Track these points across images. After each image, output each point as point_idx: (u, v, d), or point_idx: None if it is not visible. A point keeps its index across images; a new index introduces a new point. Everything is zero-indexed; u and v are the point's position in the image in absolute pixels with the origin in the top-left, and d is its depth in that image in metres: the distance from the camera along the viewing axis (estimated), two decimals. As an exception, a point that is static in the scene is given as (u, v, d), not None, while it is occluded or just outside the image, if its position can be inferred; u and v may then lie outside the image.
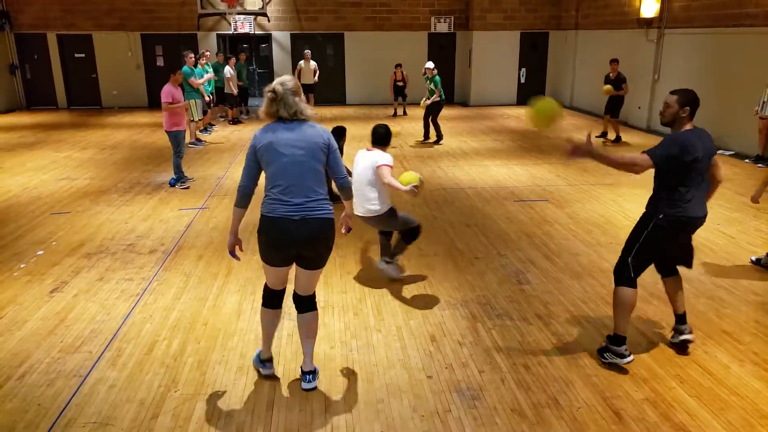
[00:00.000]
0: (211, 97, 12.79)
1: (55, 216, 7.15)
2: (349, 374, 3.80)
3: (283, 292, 3.65)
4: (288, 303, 3.82)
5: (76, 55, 17.40)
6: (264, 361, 3.75)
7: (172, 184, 8.50)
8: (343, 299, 4.89)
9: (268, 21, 17.45)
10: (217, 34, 17.57)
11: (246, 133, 13.25)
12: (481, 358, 3.98)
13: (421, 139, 12.23)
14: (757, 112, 9.55)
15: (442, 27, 18.12)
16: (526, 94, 18.02)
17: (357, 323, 4.48)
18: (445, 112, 16.55)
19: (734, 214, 7.11)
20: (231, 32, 17.48)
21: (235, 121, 14.49)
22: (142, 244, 6.17)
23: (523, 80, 18.19)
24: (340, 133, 7.06)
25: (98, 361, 3.94)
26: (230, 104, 14.25)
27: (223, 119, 14.66)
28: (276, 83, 3.39)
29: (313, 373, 3.65)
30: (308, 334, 3.64)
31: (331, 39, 17.92)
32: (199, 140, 11.90)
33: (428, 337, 4.27)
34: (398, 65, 15.53)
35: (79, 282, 5.22)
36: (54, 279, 5.29)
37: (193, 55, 11.52)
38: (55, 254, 5.89)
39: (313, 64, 15.23)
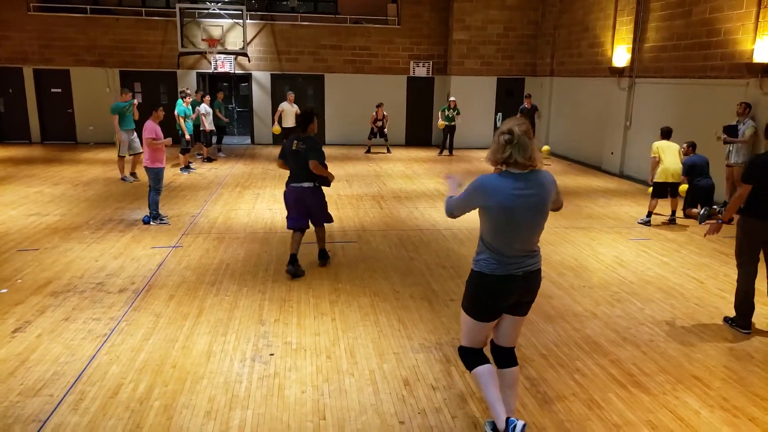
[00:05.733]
0: (191, 136, 12.83)
1: (22, 253, 6.98)
2: (320, 419, 3.72)
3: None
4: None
5: (53, 90, 17.31)
6: None
7: (146, 222, 8.39)
8: (315, 341, 4.82)
9: (249, 61, 17.65)
10: (197, 72, 17.69)
11: (223, 171, 13.21)
12: (454, 402, 3.93)
13: (437, 153, 16.73)
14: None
15: (421, 71, 18.53)
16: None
17: (329, 366, 4.41)
18: (423, 154, 16.88)
19: (703, 260, 7.24)
20: (211, 71, 17.63)
21: (209, 159, 14.46)
22: (112, 283, 6.05)
23: (499, 124, 18.54)
24: (309, 119, 6.21)
25: (59, 405, 3.80)
26: (205, 142, 14.24)
27: (199, 157, 14.63)
28: (512, 124, 3.15)
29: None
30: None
31: (311, 80, 18.16)
32: (127, 176, 11.74)
33: (401, 381, 4.22)
34: (380, 105, 16.08)
35: (44, 322, 5.07)
36: (17, 318, 5.13)
37: (130, 94, 11.81)
38: (20, 292, 5.73)
39: (294, 106, 15.01)
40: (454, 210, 3.43)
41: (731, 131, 9.52)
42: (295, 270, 6.24)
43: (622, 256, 7.33)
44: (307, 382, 4.16)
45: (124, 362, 4.39)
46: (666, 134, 9.10)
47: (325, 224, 6.62)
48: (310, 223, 6.47)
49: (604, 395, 4.06)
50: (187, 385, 4.08)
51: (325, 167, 6.24)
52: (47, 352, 4.52)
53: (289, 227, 6.38)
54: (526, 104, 15.17)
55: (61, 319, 5.14)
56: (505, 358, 3.47)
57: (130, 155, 11.69)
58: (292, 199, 6.28)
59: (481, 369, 3.39)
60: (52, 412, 3.73)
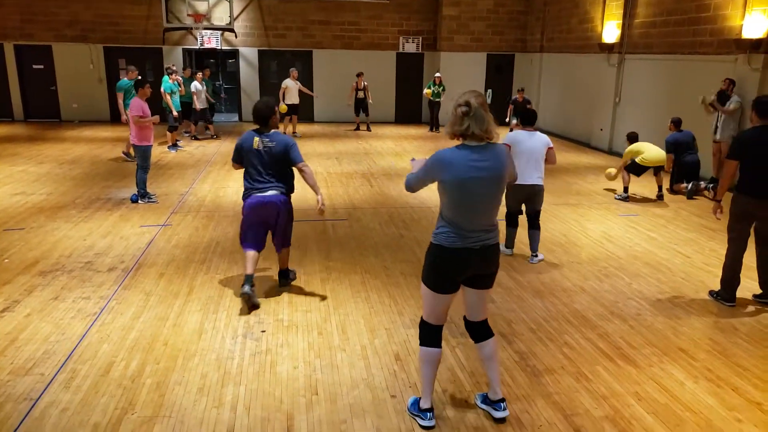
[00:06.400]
0: (178, 113, 12.66)
1: (7, 232, 6.91)
2: (312, 394, 3.75)
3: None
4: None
5: (35, 67, 16.98)
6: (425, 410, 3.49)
7: (134, 200, 8.32)
8: (307, 318, 4.84)
9: (236, 37, 17.39)
10: (183, 48, 17.41)
11: (211, 148, 13.09)
12: (445, 376, 3.98)
13: (428, 130, 17.02)
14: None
15: (411, 47, 18.36)
16: (492, 116, 18.32)
17: (321, 342, 4.43)
18: (413, 131, 16.85)
19: (690, 235, 7.32)
20: (197, 47, 17.35)
21: (196, 138, 14.32)
22: (101, 262, 6.01)
23: (489, 101, 18.43)
24: (268, 112, 4.93)
25: (51, 384, 3.80)
26: (194, 120, 14.07)
27: (187, 135, 14.48)
28: (469, 97, 3.18)
29: (504, 401, 3.54)
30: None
31: (299, 56, 17.95)
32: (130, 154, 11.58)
33: (393, 356, 4.25)
34: (360, 74, 15.91)
35: (33, 301, 5.05)
36: (5, 298, 5.10)
37: (136, 71, 11.33)
38: (7, 272, 5.69)
39: (298, 83, 14.84)
40: (413, 184, 3.44)
41: (722, 98, 9.58)
42: (251, 288, 4.92)
43: (610, 232, 7.39)
44: (299, 358, 4.19)
45: (115, 340, 4.39)
46: (633, 139, 9.42)
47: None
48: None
49: (592, 368, 4.13)
50: (179, 363, 4.09)
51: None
52: (37, 331, 4.51)
53: (246, 248, 5.09)
54: (518, 97, 15.10)
55: (50, 298, 5.12)
56: (479, 331, 3.50)
57: None
58: (254, 215, 5.00)
59: (428, 350, 3.42)
60: (44, 390, 3.73)
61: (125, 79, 11.16)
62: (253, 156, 4.92)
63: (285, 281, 5.47)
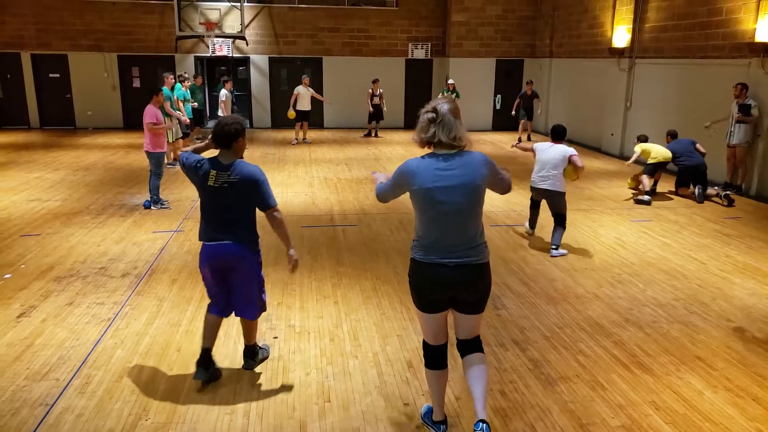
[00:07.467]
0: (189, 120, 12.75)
1: (24, 238, 6.98)
2: (325, 402, 3.74)
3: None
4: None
5: (51, 75, 17.20)
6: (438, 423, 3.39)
7: (146, 206, 8.38)
8: (319, 324, 4.84)
9: (246, 44, 17.51)
10: (195, 56, 17.55)
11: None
12: (458, 384, 3.96)
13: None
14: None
15: (420, 53, 18.40)
16: (501, 120, 18.32)
17: (333, 349, 4.43)
18: (423, 136, 16.76)
19: (705, 240, 7.25)
20: (209, 55, 17.49)
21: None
22: (115, 268, 6.05)
23: (498, 106, 18.48)
24: (236, 132, 3.86)
25: (66, 389, 3.82)
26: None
27: (199, 141, 14.55)
28: (437, 102, 3.06)
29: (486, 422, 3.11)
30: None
31: (309, 63, 18.03)
32: (177, 161, 11.82)
33: (405, 363, 4.24)
34: (375, 80, 15.93)
35: (48, 306, 5.08)
36: (21, 303, 5.14)
37: (172, 77, 11.46)
38: (24, 278, 5.74)
39: (310, 90, 14.91)
40: (382, 194, 3.38)
41: (745, 110, 9.42)
42: (208, 374, 3.88)
43: (623, 238, 7.33)
44: (312, 365, 4.18)
45: (129, 346, 4.41)
46: (644, 140, 9.85)
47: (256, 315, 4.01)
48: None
49: (607, 376, 4.09)
50: (191, 369, 4.09)
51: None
52: (52, 336, 4.54)
53: (211, 312, 3.96)
54: (526, 90, 15.29)
55: (65, 303, 5.15)
56: (466, 348, 3.31)
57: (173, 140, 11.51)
58: (210, 266, 3.81)
59: (429, 372, 3.33)
60: (59, 395, 3.75)
61: (164, 87, 11.29)
62: (208, 194, 3.74)
63: (251, 362, 4.12)
